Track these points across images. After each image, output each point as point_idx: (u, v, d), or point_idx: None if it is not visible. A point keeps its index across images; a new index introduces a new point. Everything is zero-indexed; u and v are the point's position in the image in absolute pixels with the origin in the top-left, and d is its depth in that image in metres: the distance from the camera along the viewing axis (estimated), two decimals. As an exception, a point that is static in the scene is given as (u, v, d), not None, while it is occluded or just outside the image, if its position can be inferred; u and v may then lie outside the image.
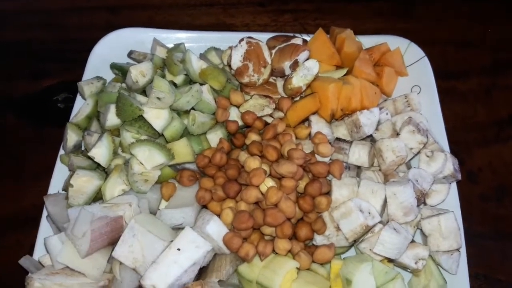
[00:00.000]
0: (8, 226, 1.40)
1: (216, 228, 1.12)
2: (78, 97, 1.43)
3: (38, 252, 1.19)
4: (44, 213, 1.25)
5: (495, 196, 1.43)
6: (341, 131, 1.35)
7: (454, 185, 1.30)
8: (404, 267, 1.17)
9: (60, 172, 1.32)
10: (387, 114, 1.36)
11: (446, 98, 1.52)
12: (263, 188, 1.15)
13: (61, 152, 1.36)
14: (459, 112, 1.57)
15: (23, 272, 1.14)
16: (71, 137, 1.32)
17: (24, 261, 1.14)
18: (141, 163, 1.18)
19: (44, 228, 1.24)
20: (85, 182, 1.17)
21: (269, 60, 1.35)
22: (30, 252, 1.21)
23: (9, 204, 1.43)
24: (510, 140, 1.52)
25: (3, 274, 1.31)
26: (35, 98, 1.62)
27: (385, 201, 1.16)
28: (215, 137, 1.29)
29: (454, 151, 1.35)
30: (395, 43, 1.49)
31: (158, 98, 1.17)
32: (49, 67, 1.68)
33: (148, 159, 1.18)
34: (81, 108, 1.37)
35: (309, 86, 1.33)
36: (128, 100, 1.18)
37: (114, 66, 1.43)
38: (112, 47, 1.50)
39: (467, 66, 1.67)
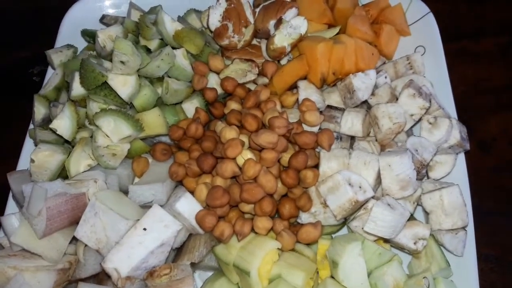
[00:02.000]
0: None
1: (188, 206, 1.01)
2: (50, 68, 1.33)
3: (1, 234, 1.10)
4: (10, 194, 1.17)
5: (510, 169, 1.26)
6: (334, 98, 1.20)
7: (462, 157, 1.15)
8: (402, 248, 1.04)
9: (29, 150, 1.23)
10: (386, 78, 1.20)
11: (456, 60, 1.35)
12: (240, 161, 1.02)
13: (31, 127, 1.26)
14: (470, 76, 1.40)
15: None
16: (39, 110, 1.21)
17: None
18: (106, 135, 1.07)
19: (11, 209, 1.16)
20: (47, 157, 1.08)
21: (251, 19, 1.20)
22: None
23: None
24: (530, 106, 1.35)
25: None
26: (8, 71, 1.52)
27: (379, 174, 1.03)
28: (191, 107, 1.17)
29: (463, 118, 1.19)
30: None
31: (122, 62, 1.05)
32: (23, 37, 1.58)
33: (114, 131, 1.07)
34: (49, 78, 1.27)
35: (295, 46, 1.18)
36: (90, 66, 1.07)
37: (85, 33, 1.32)
38: (87, 13, 1.38)
39: (482, 24, 1.48)
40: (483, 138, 1.30)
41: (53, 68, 1.29)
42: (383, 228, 0.96)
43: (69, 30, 1.38)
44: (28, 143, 1.25)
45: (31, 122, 1.26)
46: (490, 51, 1.44)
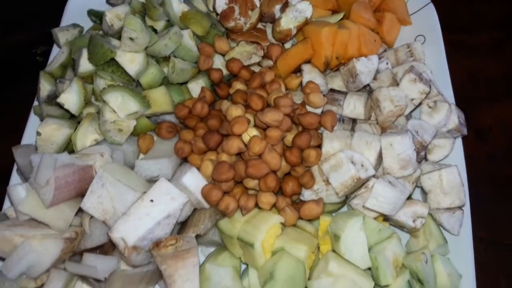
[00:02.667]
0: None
1: (194, 180, 1.03)
2: (55, 47, 1.34)
3: (7, 205, 1.11)
4: (15, 167, 1.18)
5: (505, 156, 1.31)
6: (337, 82, 1.23)
7: (459, 142, 1.19)
8: (401, 226, 1.07)
9: (34, 126, 1.23)
10: (387, 64, 1.24)
11: (454, 52, 1.39)
12: (246, 138, 1.05)
13: (36, 104, 1.27)
14: (467, 67, 1.44)
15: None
16: (44, 86, 1.22)
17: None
18: (113, 110, 1.08)
19: (15, 182, 1.17)
20: (54, 130, 1.09)
21: (257, 2, 1.23)
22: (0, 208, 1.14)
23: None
24: (523, 96, 1.40)
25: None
26: (11, 51, 1.52)
27: (381, 154, 1.06)
28: (196, 87, 1.19)
29: (461, 107, 1.23)
30: (398, -11, 1.35)
31: (131, 39, 1.07)
32: (27, 18, 1.58)
33: (121, 107, 1.08)
34: (55, 56, 1.27)
35: (300, 30, 1.21)
36: (99, 42, 1.08)
37: (91, 12, 1.33)
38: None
39: (479, 19, 1.53)
40: (479, 127, 1.34)
41: (59, 47, 1.30)
42: (383, 205, 0.99)
43: (74, 11, 1.39)
44: (33, 119, 1.25)
45: (36, 99, 1.27)
46: (486, 45, 1.48)
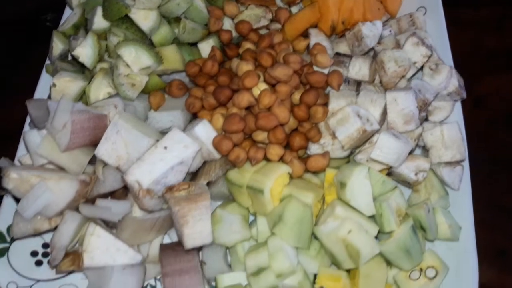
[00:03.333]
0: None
1: (205, 131, 1.07)
2: (66, 9, 1.37)
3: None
4: (27, 122, 1.20)
5: (503, 123, 1.36)
6: (342, 47, 1.27)
7: (458, 106, 1.23)
8: (403, 181, 1.11)
9: (45, 83, 1.26)
10: (390, 31, 1.28)
11: (454, 26, 1.43)
12: (256, 92, 1.08)
13: (48, 63, 1.30)
14: (466, 40, 1.49)
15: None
16: (57, 45, 1.26)
17: (2, 162, 1.09)
18: (127, 65, 1.12)
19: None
20: (68, 82, 1.12)
21: (266, -33, 1.27)
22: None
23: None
24: (520, 68, 1.45)
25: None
26: (21, 17, 1.55)
27: (385, 110, 1.10)
28: (206, 46, 1.22)
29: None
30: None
31: (146, -6, 1.11)
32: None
33: (135, 61, 1.11)
34: (68, 17, 1.31)
35: (308, -6, 1.26)
36: (115, -3, 1.12)
37: (103, -24, 1.36)
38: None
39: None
40: (478, 95, 1.39)
41: (71, 9, 1.33)
42: (388, 155, 1.03)
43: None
44: (44, 77, 1.28)
45: (48, 58, 1.30)
46: (486, 20, 1.54)
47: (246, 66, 1.09)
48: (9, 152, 1.24)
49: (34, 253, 1.08)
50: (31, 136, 1.02)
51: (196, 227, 0.94)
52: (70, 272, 1.06)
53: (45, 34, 1.48)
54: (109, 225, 1.04)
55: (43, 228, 1.01)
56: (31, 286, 1.03)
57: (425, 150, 1.15)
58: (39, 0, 1.58)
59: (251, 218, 1.13)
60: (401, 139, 1.05)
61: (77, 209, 1.01)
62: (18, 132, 1.22)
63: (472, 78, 1.41)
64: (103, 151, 1.01)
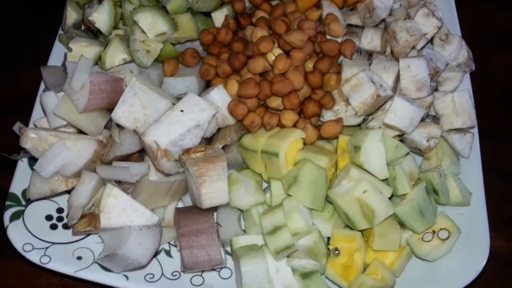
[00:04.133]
0: (4, 110, 1.35)
1: (221, 96, 1.08)
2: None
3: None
4: (41, 88, 1.21)
5: (509, 98, 1.38)
6: (353, 20, 1.29)
7: (467, 78, 1.25)
8: (415, 148, 1.12)
9: (59, 52, 1.26)
10: (400, 5, 1.30)
11: (462, 4, 1.46)
12: (271, 58, 1.09)
13: (61, 32, 1.30)
14: (473, 19, 1.51)
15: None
16: (71, 14, 1.26)
17: (17, 128, 1.09)
18: (143, 31, 1.12)
19: (39, 106, 1.19)
20: (84, 47, 1.12)
21: None
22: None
23: (5, 89, 1.39)
24: (526, 44, 1.47)
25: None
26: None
27: (397, 78, 1.11)
28: (220, 16, 1.23)
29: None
30: None
31: (163, -40, 1.11)
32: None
33: (151, 27, 1.12)
34: (81, -13, 1.31)
35: (321, -34, 1.27)
36: (131, -37, 1.12)
37: None
38: None
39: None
40: (486, 70, 1.41)
41: (84, -21, 1.34)
42: (402, 119, 1.05)
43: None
44: (57, 47, 1.28)
45: (61, 28, 1.31)
46: (493, -1, 1.57)
47: (261, 32, 1.10)
48: (24, 120, 1.26)
49: (48, 217, 1.09)
50: (48, 98, 1.03)
51: (214, 187, 0.96)
52: (85, 236, 1.07)
53: (56, 5, 1.50)
54: (125, 191, 1.04)
55: (60, 189, 1.02)
56: (47, 248, 1.03)
57: (436, 119, 1.17)
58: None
59: (264, 185, 1.14)
60: (414, 104, 1.06)
61: (94, 171, 1.01)
62: (30, 104, 1.22)
63: (479, 55, 1.43)
64: (120, 113, 1.02)
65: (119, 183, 1.03)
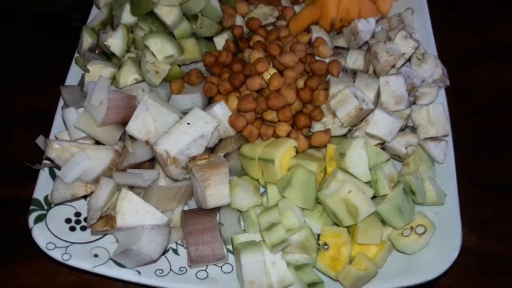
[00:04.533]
0: (25, 126, 1.48)
1: (222, 110, 1.22)
2: (93, 9, 1.53)
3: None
4: (59, 105, 1.34)
5: (483, 110, 1.52)
6: (340, 42, 1.44)
7: (442, 92, 1.40)
8: (395, 155, 1.26)
9: (75, 74, 1.41)
10: (382, 28, 1.45)
11: (438, 26, 1.62)
12: (266, 76, 1.24)
13: (77, 55, 1.45)
14: (448, 38, 1.66)
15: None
16: (87, 39, 1.41)
17: (40, 141, 1.22)
18: (153, 54, 1.27)
19: (59, 121, 1.33)
20: (100, 69, 1.26)
21: (273, -28, 1.45)
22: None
23: (25, 106, 1.53)
24: (498, 61, 1.63)
25: (19, 163, 1.38)
26: (51, 17, 1.71)
27: (378, 93, 1.26)
28: (221, 40, 1.38)
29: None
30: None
31: (171, -8, 1.27)
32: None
33: (160, 50, 1.27)
34: (96, 15, 1.46)
35: (310, -5, 1.43)
36: (142, -5, 1.28)
37: (127, -20, 1.53)
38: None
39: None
40: (460, 85, 1.56)
41: (98, 8, 1.49)
42: (382, 129, 1.18)
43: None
44: (73, 68, 1.43)
45: (77, 52, 1.45)
46: (465, 21, 1.72)
47: (257, 54, 1.25)
48: (44, 133, 1.39)
49: (68, 220, 1.21)
50: (70, 113, 1.16)
51: (217, 189, 1.09)
52: (101, 236, 1.19)
53: (71, 33, 1.65)
54: (137, 195, 1.17)
55: (80, 194, 1.14)
56: (67, 247, 1.15)
57: (414, 129, 1.31)
58: (67, 1, 1.74)
59: (261, 190, 1.27)
60: (393, 116, 1.20)
61: (110, 177, 1.14)
62: (48, 119, 1.36)
63: (455, 71, 1.59)
64: (134, 126, 1.15)
65: (132, 188, 1.16)
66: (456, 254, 1.13)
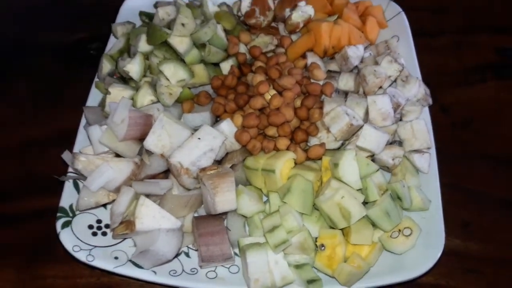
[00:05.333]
0: (50, 143, 1.63)
1: (229, 127, 1.37)
2: (111, 38, 1.70)
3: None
4: (81, 123, 1.49)
5: (463, 125, 1.68)
6: (332, 66, 1.61)
7: (426, 110, 1.55)
8: (384, 166, 1.40)
9: (95, 97, 1.57)
10: (370, 54, 1.62)
11: (422, 52, 1.78)
12: (267, 97, 1.40)
13: (97, 80, 1.61)
14: (431, 63, 1.81)
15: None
16: (106, 65, 1.57)
17: (65, 155, 1.36)
18: (167, 78, 1.44)
19: (80, 138, 1.48)
20: (120, 91, 1.42)
21: (272, 5, 1.63)
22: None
23: (50, 126, 1.68)
24: (476, 83, 1.79)
25: (46, 176, 1.52)
26: (71, 48, 1.89)
27: (367, 111, 1.41)
28: (227, 65, 1.55)
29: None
30: (377, 2, 1.77)
31: (183, 24, 1.44)
32: (83, 24, 1.96)
33: (173, 75, 1.43)
34: (114, 44, 1.64)
35: (305, 26, 1.60)
36: (158, 27, 1.45)
37: (142, 13, 1.71)
38: (140, 1, 1.77)
39: (441, 27, 1.96)
40: (443, 103, 1.72)
41: (116, 38, 1.67)
42: (371, 143, 1.33)
43: (126, 14, 1.77)
44: (93, 92, 1.59)
45: (97, 77, 1.62)
46: (447, 46, 1.90)
47: (259, 77, 1.42)
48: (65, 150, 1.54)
49: (90, 226, 1.34)
50: (94, 130, 1.31)
51: (225, 196, 1.22)
52: (121, 241, 1.32)
53: (89, 60, 1.82)
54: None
55: (103, 201, 1.28)
56: (90, 250, 1.28)
57: (400, 143, 1.46)
58: (86, 31, 1.92)
59: (264, 199, 1.41)
60: (380, 131, 1.36)
61: (130, 186, 1.28)
62: (71, 137, 1.51)
63: (438, 91, 1.75)
64: (151, 141, 1.30)
65: (148, 196, 1.29)
66: (439, 254, 1.26)
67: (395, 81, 1.54)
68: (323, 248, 1.25)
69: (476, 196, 1.52)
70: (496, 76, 1.82)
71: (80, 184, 1.37)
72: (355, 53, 1.55)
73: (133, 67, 1.45)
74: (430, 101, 1.55)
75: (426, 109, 1.56)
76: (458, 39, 1.92)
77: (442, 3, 2.04)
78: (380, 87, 1.50)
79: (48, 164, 1.55)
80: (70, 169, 1.39)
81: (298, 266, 1.23)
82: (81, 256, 1.26)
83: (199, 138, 1.30)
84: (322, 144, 1.38)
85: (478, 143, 1.64)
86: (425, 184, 1.40)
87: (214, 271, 1.29)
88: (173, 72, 1.43)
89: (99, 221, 1.36)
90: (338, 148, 1.43)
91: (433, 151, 1.44)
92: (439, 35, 1.94)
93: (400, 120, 1.51)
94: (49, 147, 1.61)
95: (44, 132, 1.68)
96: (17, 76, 1.83)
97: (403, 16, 1.75)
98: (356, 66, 1.57)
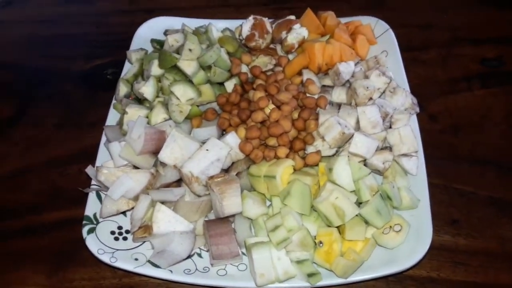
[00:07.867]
0: (72, 160, 1.80)
1: (233, 139, 1.52)
2: (126, 64, 1.89)
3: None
4: (102, 141, 1.67)
5: (451, 131, 1.81)
6: (326, 81, 1.77)
7: (414, 118, 1.69)
8: (375, 169, 1.54)
9: (113, 117, 1.74)
10: (360, 68, 1.78)
11: (410, 65, 1.94)
12: (267, 111, 1.56)
13: (114, 102, 1.79)
14: (419, 75, 1.97)
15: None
16: (122, 88, 1.75)
17: (89, 170, 1.53)
18: (177, 97, 1.61)
19: (101, 153, 1.65)
20: (136, 111, 1.60)
21: (270, 29, 1.80)
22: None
23: (72, 145, 1.85)
24: (462, 92, 1.93)
25: (70, 190, 1.69)
26: (90, 72, 2.09)
27: (358, 120, 1.56)
28: (230, 84, 1.72)
29: (417, 101, 1.75)
30: (366, 21, 1.94)
31: (190, 50, 1.62)
32: (100, 52, 2.16)
33: (183, 94, 1.60)
34: (129, 69, 1.82)
35: (300, 46, 1.77)
36: (168, 52, 1.64)
37: (153, 40, 1.90)
38: (151, 30, 1.97)
39: (428, 42, 2.11)
40: (432, 112, 1.86)
41: (131, 63, 1.85)
42: (362, 148, 1.47)
43: (139, 41, 1.96)
44: (112, 112, 1.76)
45: (114, 98, 1.80)
46: (434, 59, 2.05)
47: (259, 93, 1.58)
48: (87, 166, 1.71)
49: (112, 232, 1.49)
50: (114, 146, 1.48)
51: (231, 200, 1.37)
52: (140, 244, 1.47)
53: (106, 84, 2.01)
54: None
55: (123, 209, 1.44)
56: (113, 253, 1.43)
57: (390, 148, 1.60)
58: (102, 58, 2.12)
59: (267, 203, 1.55)
60: (370, 137, 1.50)
61: (147, 194, 1.44)
62: (91, 154, 1.67)
63: (427, 100, 1.89)
64: (164, 154, 1.46)
65: (163, 202, 1.45)
66: (427, 247, 1.38)
67: (384, 92, 1.69)
68: (321, 244, 1.38)
69: (464, 195, 1.64)
70: (481, 85, 1.96)
71: (102, 195, 1.53)
72: (346, 68, 1.71)
73: (147, 89, 1.62)
74: (418, 109, 1.69)
75: (415, 117, 1.70)
76: (444, 52, 2.07)
77: (428, 20, 2.21)
78: (370, 99, 1.65)
79: (70, 179, 1.72)
80: (92, 182, 1.56)
81: (299, 262, 1.37)
82: (105, 258, 1.41)
83: (207, 150, 1.46)
84: (318, 152, 1.53)
85: (465, 147, 1.77)
86: (415, 185, 1.54)
87: (224, 269, 1.43)
88: (182, 92, 1.60)
89: (120, 227, 1.51)
90: (333, 155, 1.57)
91: (420, 154, 1.58)
92: (426, 49, 2.09)
93: (390, 127, 1.65)
94: (71, 164, 1.79)
95: (66, 150, 1.85)
96: (42, 100, 2.02)
97: (391, 33, 1.91)
98: (348, 80, 1.72)
